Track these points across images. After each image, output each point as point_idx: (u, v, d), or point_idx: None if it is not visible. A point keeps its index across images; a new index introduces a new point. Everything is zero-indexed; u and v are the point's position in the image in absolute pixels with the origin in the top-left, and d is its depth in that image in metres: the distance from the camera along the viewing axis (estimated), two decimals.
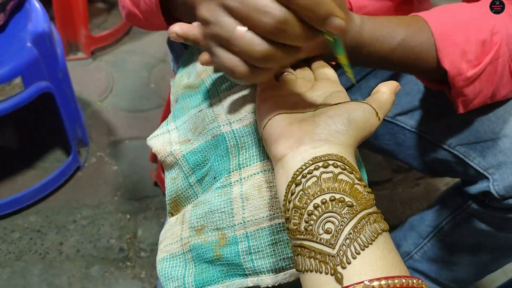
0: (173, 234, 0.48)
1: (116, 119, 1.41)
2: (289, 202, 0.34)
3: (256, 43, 0.32)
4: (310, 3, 0.31)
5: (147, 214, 1.18)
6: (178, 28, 0.43)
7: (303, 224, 0.32)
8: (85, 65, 1.56)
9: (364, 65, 0.55)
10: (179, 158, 0.49)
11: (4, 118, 1.23)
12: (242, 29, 0.32)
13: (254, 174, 0.44)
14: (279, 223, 0.43)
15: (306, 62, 0.49)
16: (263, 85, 0.43)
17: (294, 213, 0.33)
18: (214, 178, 0.46)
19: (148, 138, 0.53)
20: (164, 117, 1.02)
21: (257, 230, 0.43)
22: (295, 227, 0.33)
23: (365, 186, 0.34)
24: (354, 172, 0.34)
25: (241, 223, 0.43)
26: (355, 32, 0.49)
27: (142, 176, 1.26)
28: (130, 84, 1.53)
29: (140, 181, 1.25)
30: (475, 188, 0.70)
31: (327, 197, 0.32)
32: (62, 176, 1.18)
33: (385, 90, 0.41)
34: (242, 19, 0.32)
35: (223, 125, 0.47)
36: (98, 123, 1.38)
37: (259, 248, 0.43)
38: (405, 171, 1.41)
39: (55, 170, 1.17)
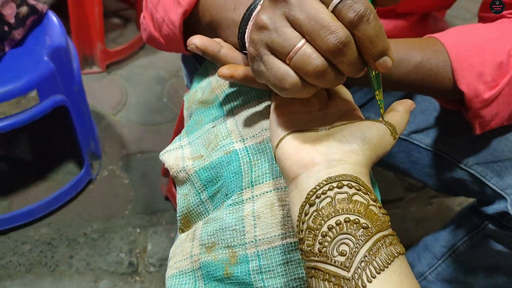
0: (184, 251, 0.48)
1: (128, 132, 1.41)
2: (303, 223, 0.34)
3: (314, 58, 0.32)
4: (374, 35, 0.32)
5: (158, 229, 1.17)
6: (198, 40, 0.43)
7: (317, 246, 0.32)
8: (99, 79, 1.58)
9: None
10: (191, 174, 0.49)
11: (19, 130, 1.25)
12: (302, 42, 0.33)
13: (267, 192, 0.44)
14: (291, 242, 0.42)
15: None
16: (277, 102, 0.43)
17: (308, 234, 0.33)
18: (226, 195, 0.46)
19: (161, 153, 0.53)
20: (177, 131, 1.02)
21: (268, 249, 0.43)
22: (309, 248, 0.32)
23: (380, 207, 0.33)
24: (369, 192, 0.33)
25: (252, 242, 0.43)
26: None
27: (153, 190, 1.26)
28: (144, 97, 1.54)
29: (151, 195, 1.25)
30: (492, 209, 0.68)
31: (341, 218, 0.32)
32: (74, 189, 1.19)
33: (400, 109, 0.41)
34: (306, 33, 0.32)
35: (236, 142, 0.46)
36: (111, 136, 1.39)
37: (270, 267, 0.42)
38: (417, 189, 1.39)
39: (67, 183, 1.17)
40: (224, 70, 0.44)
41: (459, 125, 0.69)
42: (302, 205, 0.34)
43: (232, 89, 0.51)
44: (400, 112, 0.40)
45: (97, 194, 1.23)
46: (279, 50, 0.34)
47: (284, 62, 0.34)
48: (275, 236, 0.42)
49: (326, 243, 0.31)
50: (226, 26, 0.49)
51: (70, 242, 1.11)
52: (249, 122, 0.47)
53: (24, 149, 1.30)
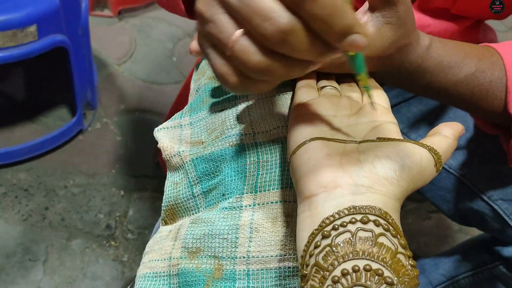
0: (162, 249, 0.41)
1: (130, 87, 1.33)
2: (310, 257, 0.27)
3: (251, 52, 0.26)
4: (325, 13, 0.24)
5: (143, 195, 1.11)
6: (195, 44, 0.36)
7: None
8: (109, 24, 1.49)
9: (418, 93, 0.47)
10: (187, 162, 0.41)
11: (14, 66, 1.17)
12: (238, 33, 0.26)
13: (272, 202, 0.36)
14: (289, 267, 0.36)
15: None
16: (300, 98, 0.36)
17: (315, 273, 0.26)
18: (223, 195, 0.38)
19: (156, 129, 0.46)
20: (181, 96, 0.94)
21: (261, 269, 0.36)
22: None
23: (409, 257, 0.26)
24: (398, 236, 0.27)
25: (244, 257, 0.36)
26: (420, 54, 0.41)
27: (145, 153, 1.19)
28: (152, 53, 1.46)
29: (142, 158, 1.18)
30: (509, 251, 0.61)
31: (360, 264, 0.25)
32: (62, 137, 1.12)
33: (449, 134, 0.33)
34: (241, 21, 0.26)
35: (245, 135, 0.39)
36: (110, 87, 1.31)
37: None
38: (418, 200, 1.33)
39: (56, 129, 1.10)
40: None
41: (491, 152, 0.62)
42: (313, 234, 0.27)
43: None
44: (448, 138, 0.33)
45: (85, 146, 1.16)
46: (217, 43, 0.28)
47: (227, 57, 0.28)
48: (271, 256, 0.36)
49: None
50: None
51: (48, 193, 1.05)
52: (265, 113, 0.40)
53: (17, 86, 1.22)
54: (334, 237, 0.26)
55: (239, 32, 0.26)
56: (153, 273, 0.40)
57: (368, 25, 0.36)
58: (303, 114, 0.34)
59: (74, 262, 0.96)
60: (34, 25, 0.87)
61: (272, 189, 0.37)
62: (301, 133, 0.32)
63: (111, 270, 0.97)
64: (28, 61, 0.90)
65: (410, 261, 0.26)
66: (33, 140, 1.07)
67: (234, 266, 0.36)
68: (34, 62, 1.21)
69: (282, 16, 0.25)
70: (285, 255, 0.36)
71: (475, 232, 0.84)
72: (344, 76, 0.42)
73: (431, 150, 0.31)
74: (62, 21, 0.93)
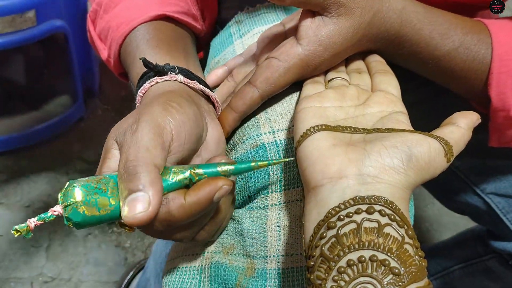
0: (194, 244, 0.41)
1: None
2: (316, 248, 0.27)
3: None
4: None
5: None
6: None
7: (330, 283, 0.25)
8: None
9: (401, 64, 0.45)
10: None
11: (14, 52, 1.16)
12: None
13: (297, 200, 0.36)
14: None
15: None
16: (307, 90, 0.36)
17: (321, 264, 0.26)
18: (248, 197, 0.38)
19: None
20: None
21: (291, 267, 0.36)
22: (319, 282, 0.26)
23: (417, 248, 0.26)
24: (405, 226, 0.26)
25: (274, 256, 0.36)
26: (395, 20, 0.39)
27: None
28: None
29: None
30: (502, 245, 0.61)
31: (366, 254, 0.25)
32: (63, 124, 1.12)
33: (462, 125, 0.33)
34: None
35: (265, 134, 0.38)
36: (111, 74, 1.30)
37: None
38: (420, 186, 1.32)
39: (58, 116, 1.10)
40: None
41: (485, 145, 0.60)
42: (318, 225, 0.28)
43: None
44: (461, 128, 0.32)
45: (87, 133, 1.16)
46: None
47: None
48: (301, 254, 0.35)
49: (342, 283, 0.24)
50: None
51: (50, 179, 1.05)
52: (283, 110, 0.39)
53: (18, 73, 1.22)
54: (340, 228, 0.26)
55: None
56: (184, 267, 0.40)
57: (321, 31, 0.36)
58: (309, 106, 0.34)
59: (76, 248, 0.96)
60: (32, 10, 0.86)
61: (297, 187, 0.36)
62: (306, 124, 0.32)
63: (114, 256, 0.97)
64: (28, 47, 0.89)
65: (418, 252, 0.26)
66: (34, 127, 1.07)
67: (265, 265, 0.36)
68: (34, 48, 1.20)
69: None
70: None
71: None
72: (354, 59, 0.41)
73: (441, 140, 0.30)
74: (61, 6, 0.92)
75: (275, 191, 0.37)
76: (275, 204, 0.37)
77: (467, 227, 0.79)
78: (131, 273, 0.92)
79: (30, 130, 1.06)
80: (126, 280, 0.92)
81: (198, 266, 0.40)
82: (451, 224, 1.22)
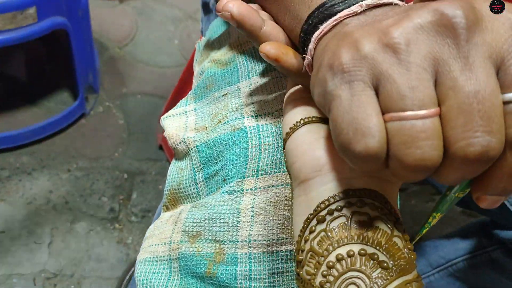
0: (162, 234, 0.41)
1: (132, 70, 1.32)
2: (306, 242, 0.27)
3: (429, 145, 0.22)
4: None
5: (146, 178, 1.11)
6: (236, 8, 0.31)
7: (319, 278, 0.25)
8: (111, 7, 1.47)
9: None
10: (191, 148, 0.41)
11: (15, 49, 1.16)
12: (429, 112, 0.22)
13: (273, 185, 0.36)
14: (292, 250, 0.36)
15: None
16: (296, 81, 0.34)
17: (310, 258, 0.26)
18: (224, 180, 0.38)
19: (162, 117, 0.46)
20: (182, 80, 0.93)
21: (263, 252, 0.36)
22: (308, 277, 0.26)
23: (406, 241, 0.26)
24: (395, 219, 0.26)
25: (245, 241, 0.36)
26: None
27: (148, 136, 1.19)
28: (154, 36, 1.44)
29: (145, 141, 1.18)
30: (507, 234, 0.61)
31: (355, 248, 0.25)
32: (64, 120, 1.12)
33: None
34: (449, 105, 0.22)
35: (247, 117, 0.38)
36: (112, 71, 1.30)
37: (261, 275, 0.36)
38: (421, 183, 1.32)
39: (59, 113, 1.10)
40: (268, 48, 0.31)
41: None
42: (308, 219, 0.27)
43: (254, 51, 0.43)
44: None
45: (88, 130, 1.16)
46: (389, 95, 0.22)
47: (381, 114, 0.22)
48: (273, 240, 0.35)
49: (331, 278, 0.24)
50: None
51: (51, 176, 1.05)
52: (267, 95, 0.39)
53: (19, 69, 1.22)
54: (329, 222, 0.26)
55: (431, 111, 0.21)
56: (153, 257, 0.40)
57: None
58: (297, 98, 0.33)
59: (78, 245, 0.97)
60: (33, 7, 0.86)
61: (274, 173, 0.36)
62: (294, 117, 0.31)
63: (116, 252, 0.98)
64: (29, 44, 0.89)
65: (407, 245, 0.26)
66: (36, 124, 1.07)
67: (235, 250, 0.36)
68: (36, 45, 1.20)
69: (499, 137, 0.21)
70: (287, 239, 0.36)
71: (477, 214, 0.84)
72: None
73: None
74: (62, 3, 0.91)
75: (251, 176, 0.37)
76: (251, 189, 0.37)
77: (467, 223, 0.79)
78: (133, 269, 0.92)
79: (31, 127, 1.06)
80: (127, 276, 0.92)
81: (167, 256, 0.39)
82: (452, 220, 1.22)
